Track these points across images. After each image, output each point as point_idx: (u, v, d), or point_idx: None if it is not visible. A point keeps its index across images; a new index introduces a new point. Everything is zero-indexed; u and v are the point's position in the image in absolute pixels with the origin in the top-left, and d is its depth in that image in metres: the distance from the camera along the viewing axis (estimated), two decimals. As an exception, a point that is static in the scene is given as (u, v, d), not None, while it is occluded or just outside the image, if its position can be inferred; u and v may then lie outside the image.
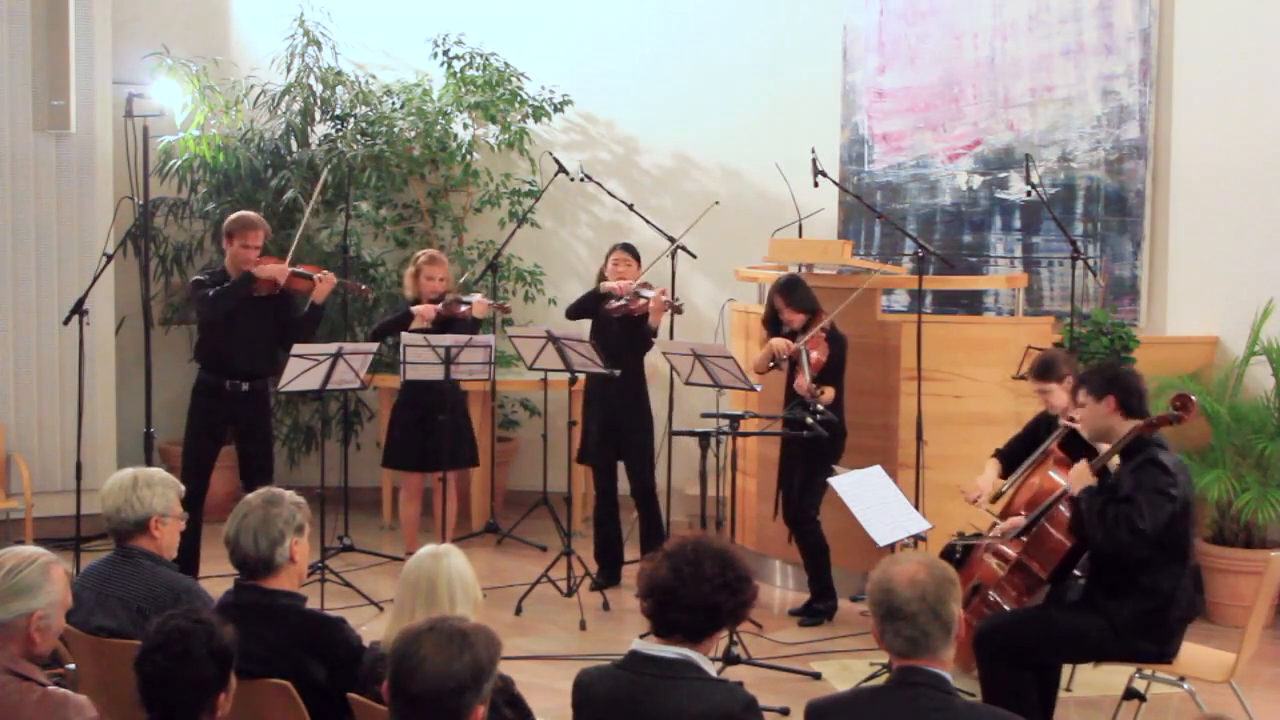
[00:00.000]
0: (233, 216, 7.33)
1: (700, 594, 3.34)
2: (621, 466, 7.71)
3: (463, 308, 7.62)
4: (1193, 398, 5.04)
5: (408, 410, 7.74)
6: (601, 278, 7.67)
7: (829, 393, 6.77)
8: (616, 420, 7.54)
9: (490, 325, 8.44)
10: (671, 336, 7.68)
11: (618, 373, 7.32)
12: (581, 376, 7.64)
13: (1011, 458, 6.20)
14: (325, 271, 7.40)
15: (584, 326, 7.62)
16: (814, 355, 6.81)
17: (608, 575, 7.63)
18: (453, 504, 7.83)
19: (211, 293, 7.08)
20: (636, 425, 7.55)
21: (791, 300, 6.93)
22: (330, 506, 7.59)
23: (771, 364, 6.94)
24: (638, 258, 7.64)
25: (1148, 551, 4.85)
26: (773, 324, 7.06)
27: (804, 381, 6.74)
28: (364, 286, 8.18)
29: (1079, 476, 5.04)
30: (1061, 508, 5.22)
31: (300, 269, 7.35)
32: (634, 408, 7.56)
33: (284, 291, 7.21)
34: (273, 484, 4.31)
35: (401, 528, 7.95)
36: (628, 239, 8.13)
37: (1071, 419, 5.59)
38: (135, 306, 8.36)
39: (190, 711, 3.21)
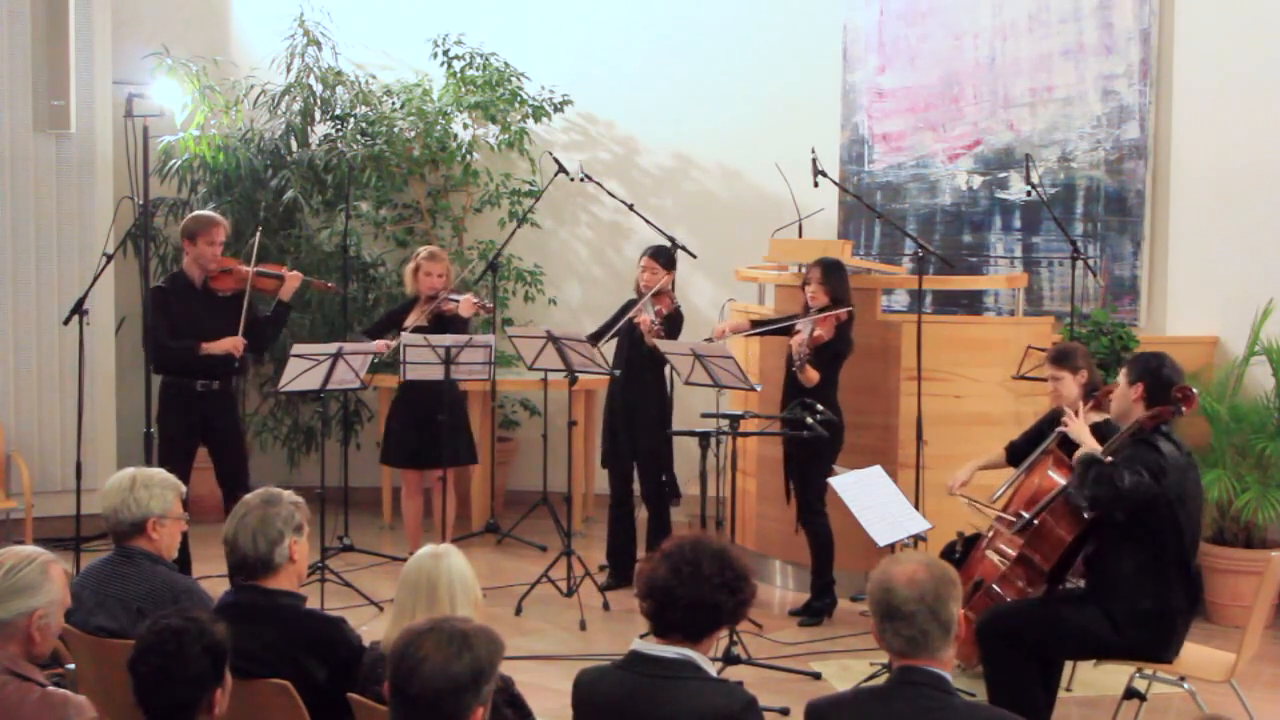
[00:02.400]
0: (190, 217, 7.28)
1: (699, 593, 3.34)
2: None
3: (448, 305, 7.61)
4: (1193, 390, 5.07)
5: (405, 408, 7.74)
6: (637, 285, 7.65)
7: (811, 372, 6.81)
8: (633, 421, 7.53)
9: (490, 325, 8.44)
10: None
11: (617, 372, 7.34)
12: (595, 381, 7.65)
13: (1016, 452, 6.23)
14: (293, 271, 7.33)
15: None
16: (818, 331, 6.86)
17: (618, 576, 7.60)
18: (452, 503, 7.83)
19: (171, 344, 6.92)
20: (652, 428, 7.51)
21: (826, 278, 6.95)
22: (330, 506, 7.58)
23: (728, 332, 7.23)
24: (663, 261, 7.51)
25: (1122, 516, 4.92)
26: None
27: (798, 340, 6.84)
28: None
29: (1085, 438, 5.14)
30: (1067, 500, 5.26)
31: (265, 268, 7.26)
32: (651, 409, 7.53)
33: (253, 292, 7.09)
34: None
35: (405, 526, 7.95)
36: (628, 239, 8.15)
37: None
38: (135, 306, 8.37)
39: (187, 709, 3.21)
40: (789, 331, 7.01)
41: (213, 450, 7.22)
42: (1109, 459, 4.99)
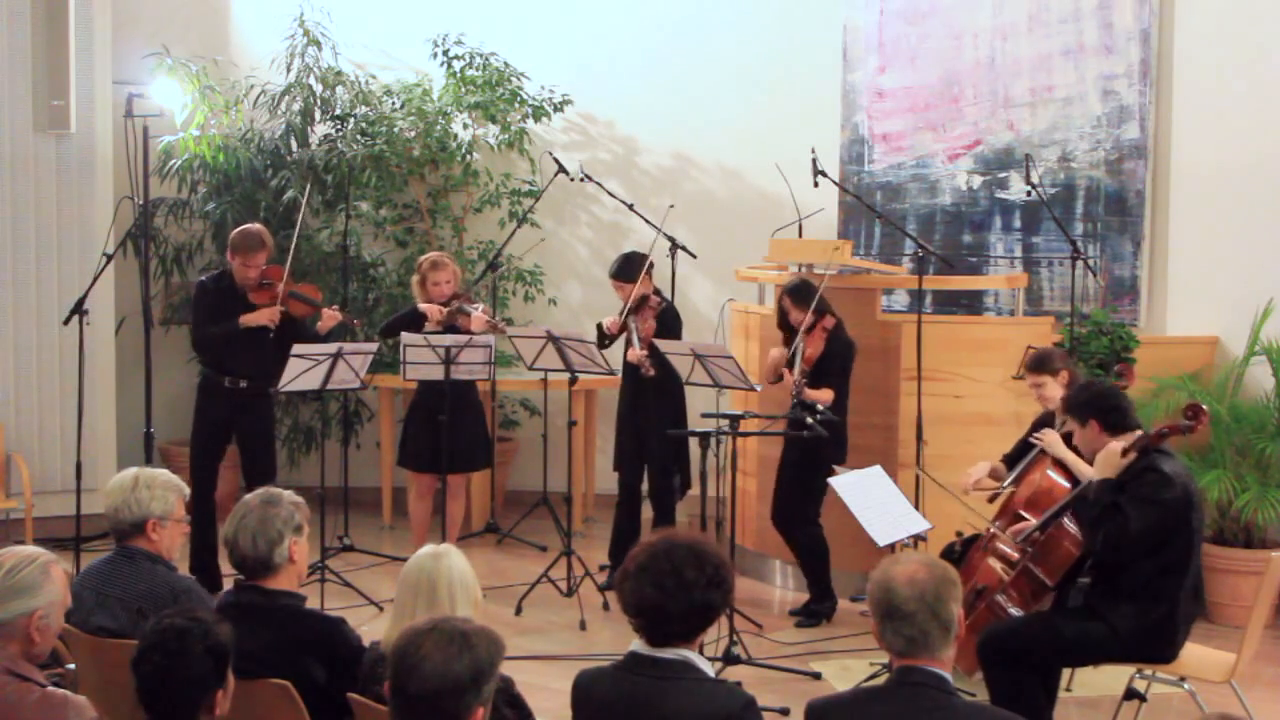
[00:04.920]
0: (237, 233, 7.36)
1: (690, 600, 3.32)
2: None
3: (463, 318, 7.57)
4: (1204, 407, 5.01)
5: (421, 411, 7.69)
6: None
7: (823, 393, 6.78)
8: (646, 424, 7.50)
9: (498, 331, 8.42)
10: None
11: (617, 372, 7.34)
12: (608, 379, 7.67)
13: (1015, 462, 6.20)
14: (333, 307, 7.38)
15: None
16: (808, 350, 6.85)
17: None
18: (460, 505, 7.81)
19: (211, 330, 7.21)
20: (661, 427, 7.48)
21: (797, 301, 6.95)
22: (330, 506, 7.59)
23: (775, 376, 7.02)
24: (625, 276, 7.46)
25: (1126, 559, 4.89)
26: (785, 326, 7.07)
27: (791, 376, 6.81)
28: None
29: (1107, 460, 4.96)
30: (1067, 521, 5.22)
31: (302, 293, 7.37)
32: (664, 414, 7.50)
33: (283, 312, 7.23)
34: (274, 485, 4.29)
35: (411, 527, 7.92)
36: (628, 239, 8.13)
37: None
38: (135, 306, 8.36)
39: (188, 709, 3.21)
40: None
41: (242, 448, 7.38)
42: (1111, 500, 4.88)
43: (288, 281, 7.28)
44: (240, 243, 7.24)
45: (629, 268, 7.48)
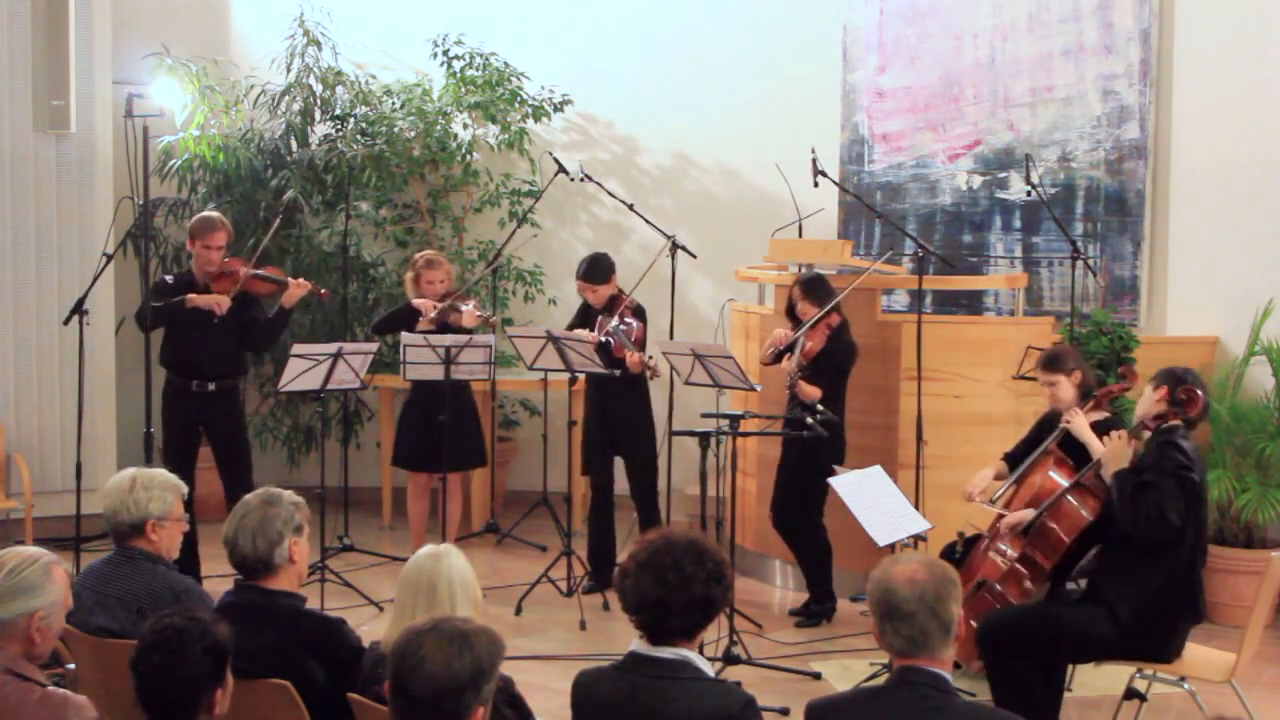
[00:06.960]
0: (195, 218, 7.39)
1: (691, 595, 3.33)
2: (620, 467, 7.68)
3: (454, 315, 7.58)
4: (1197, 391, 5.11)
5: (416, 410, 7.73)
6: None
7: (811, 389, 6.78)
8: (617, 421, 7.51)
9: (489, 325, 8.45)
10: (672, 337, 7.68)
11: (618, 373, 7.33)
12: (581, 379, 7.65)
13: (1017, 461, 6.20)
14: (298, 279, 7.36)
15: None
16: (808, 344, 6.84)
17: (600, 579, 7.53)
18: (457, 505, 7.82)
19: (153, 304, 7.08)
20: (637, 426, 7.51)
21: (809, 294, 6.95)
22: (330, 506, 7.59)
23: (771, 355, 6.98)
24: (595, 279, 7.39)
25: (1173, 537, 4.92)
26: (791, 315, 7.09)
27: (789, 365, 6.81)
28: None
29: (1115, 454, 5.10)
30: (1069, 499, 5.32)
31: (264, 272, 7.35)
32: (634, 407, 7.52)
33: (244, 293, 7.20)
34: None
35: (410, 525, 7.94)
36: (628, 239, 8.09)
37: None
38: (135, 306, 8.33)
39: (187, 709, 3.22)
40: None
41: (215, 450, 7.31)
42: (1146, 479, 4.95)
43: (249, 266, 7.24)
44: (198, 226, 7.20)
45: (599, 270, 7.43)
